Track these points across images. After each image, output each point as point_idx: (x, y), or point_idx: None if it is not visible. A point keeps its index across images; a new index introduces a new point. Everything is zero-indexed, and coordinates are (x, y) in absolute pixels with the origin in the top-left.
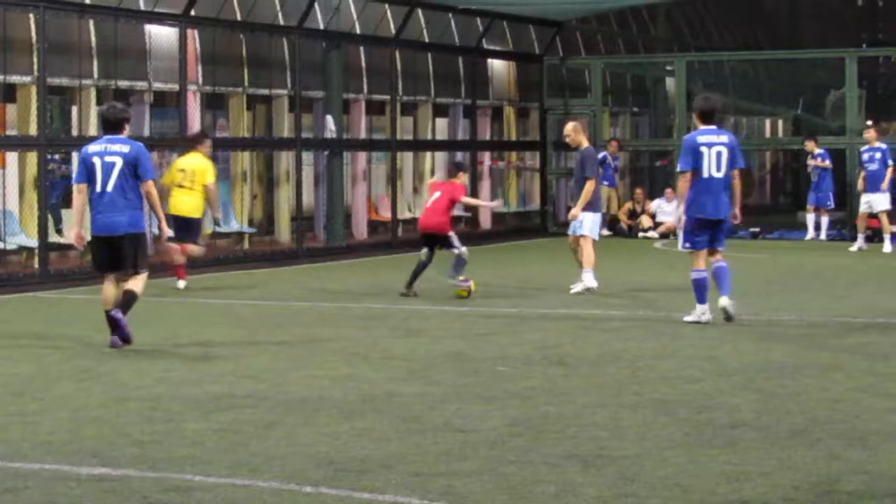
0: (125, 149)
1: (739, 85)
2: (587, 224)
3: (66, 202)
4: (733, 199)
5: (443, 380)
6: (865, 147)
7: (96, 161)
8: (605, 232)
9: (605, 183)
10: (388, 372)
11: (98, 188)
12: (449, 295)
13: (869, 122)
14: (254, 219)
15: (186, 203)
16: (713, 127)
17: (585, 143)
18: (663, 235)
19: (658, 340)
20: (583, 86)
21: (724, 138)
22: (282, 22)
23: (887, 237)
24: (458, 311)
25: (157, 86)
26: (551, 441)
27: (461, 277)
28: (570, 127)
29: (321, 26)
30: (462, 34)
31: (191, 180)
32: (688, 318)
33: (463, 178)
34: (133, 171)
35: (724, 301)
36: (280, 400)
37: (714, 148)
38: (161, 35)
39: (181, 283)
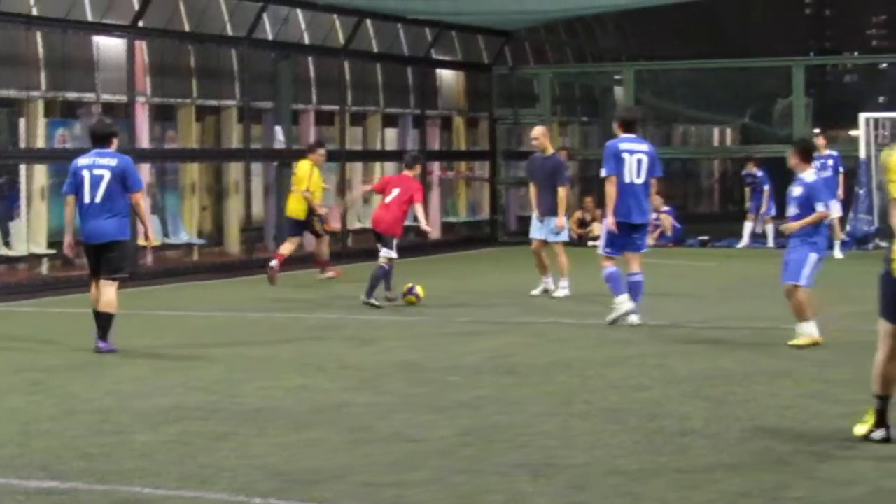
0: (113, 162)
1: (688, 94)
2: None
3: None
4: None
5: (393, 390)
6: (816, 155)
7: (85, 174)
8: None
9: None
10: (339, 382)
11: (87, 199)
12: (400, 305)
13: (816, 130)
14: (203, 230)
15: (291, 205)
16: (634, 135)
17: (551, 150)
18: None
19: (608, 349)
20: (532, 95)
21: (645, 147)
22: (230, 33)
23: (837, 243)
24: (410, 320)
25: (106, 97)
26: (501, 450)
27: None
28: (539, 131)
29: (270, 37)
30: (411, 44)
31: (295, 185)
32: (610, 317)
33: (417, 171)
34: (121, 182)
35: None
36: (231, 411)
37: (635, 155)
38: (109, 46)
39: (326, 274)
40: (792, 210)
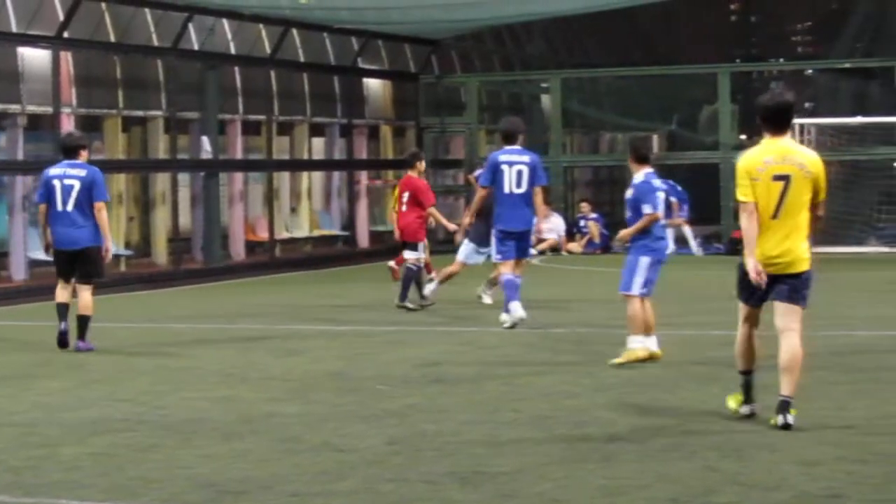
0: (82, 173)
1: (615, 101)
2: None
3: None
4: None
5: (321, 399)
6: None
7: (56, 183)
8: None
9: None
10: (267, 392)
11: (59, 207)
12: (327, 315)
13: (742, 137)
14: (130, 241)
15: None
16: (516, 147)
17: None
18: (542, 252)
19: (536, 356)
20: (459, 104)
21: (526, 157)
22: (156, 43)
23: (695, 242)
24: (337, 330)
25: (31, 108)
26: (429, 459)
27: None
28: None
29: (196, 47)
30: (338, 54)
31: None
32: (507, 324)
33: (421, 167)
34: (89, 192)
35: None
36: (158, 422)
37: (515, 166)
38: (34, 57)
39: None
40: (627, 214)
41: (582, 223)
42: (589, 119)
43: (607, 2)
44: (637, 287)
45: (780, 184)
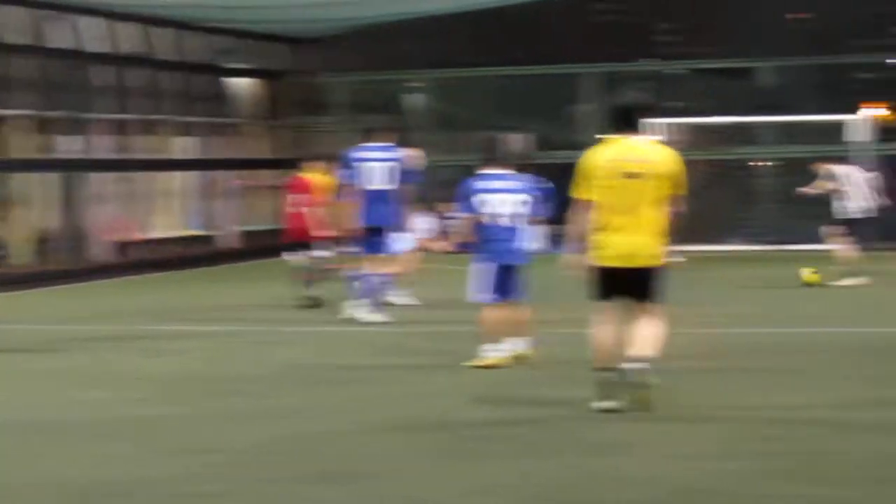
0: (393, 155)
1: (485, 100)
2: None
3: None
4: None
5: (189, 400)
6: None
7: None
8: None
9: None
10: (134, 394)
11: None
12: (196, 316)
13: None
14: None
15: None
16: (383, 144)
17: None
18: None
19: (404, 356)
20: (327, 103)
21: (391, 154)
22: (23, 41)
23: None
24: (206, 330)
25: None
26: (298, 459)
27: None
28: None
29: (60, 45)
30: (204, 52)
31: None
32: (366, 318)
33: (316, 167)
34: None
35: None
36: (24, 425)
37: (378, 163)
38: None
39: None
40: None
41: (451, 222)
42: (458, 119)
43: (477, 1)
44: (474, 294)
45: (629, 181)
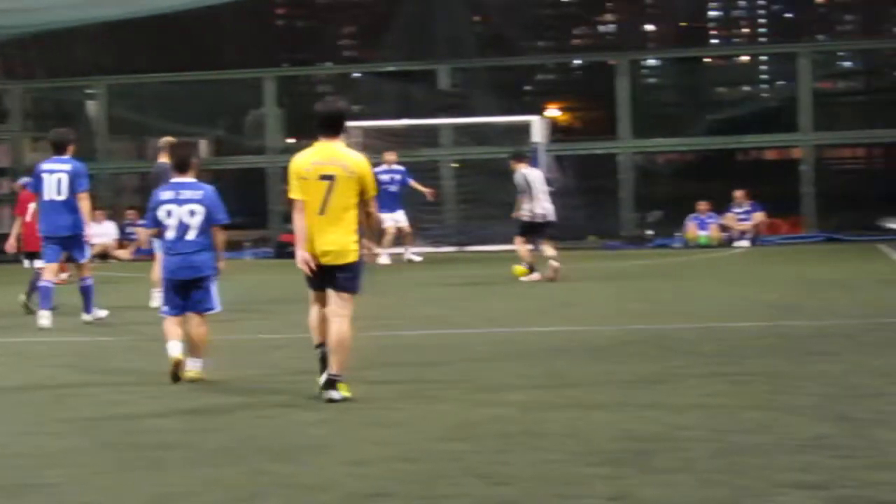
0: (67, 167)
1: (162, 106)
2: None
3: None
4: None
5: None
6: (384, 168)
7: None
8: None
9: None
10: None
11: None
12: None
13: (290, 140)
14: None
15: None
16: (59, 156)
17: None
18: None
19: (86, 365)
20: (3, 110)
21: (67, 166)
22: None
23: (411, 249)
24: None
25: None
26: None
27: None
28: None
29: None
30: None
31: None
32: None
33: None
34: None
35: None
36: None
37: (55, 174)
38: None
39: None
40: None
41: (130, 230)
42: (136, 125)
43: (151, 7)
44: (161, 307)
45: (326, 183)
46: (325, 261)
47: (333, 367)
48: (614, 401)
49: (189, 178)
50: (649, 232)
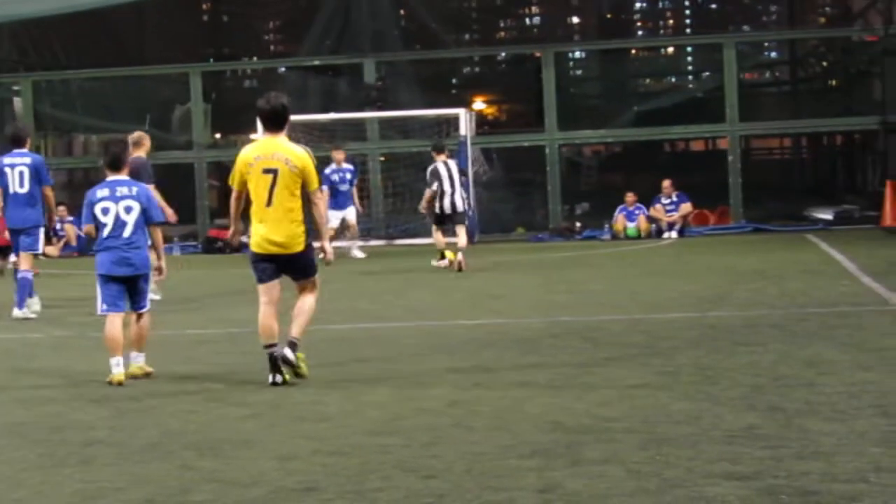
0: (27, 160)
1: (88, 102)
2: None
3: None
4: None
5: None
6: (333, 168)
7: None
8: None
9: None
10: None
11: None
12: None
13: (217, 135)
14: None
15: None
16: (19, 150)
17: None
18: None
19: (10, 363)
20: None
21: (27, 160)
22: None
23: (356, 244)
24: None
25: None
26: None
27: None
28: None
29: None
30: None
31: None
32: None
33: None
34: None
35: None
36: None
37: (17, 168)
38: None
39: None
40: None
41: (59, 226)
42: (62, 121)
43: (75, 4)
44: (98, 306)
45: (270, 176)
46: (277, 251)
47: (295, 331)
48: (543, 393)
49: (123, 176)
50: (577, 224)
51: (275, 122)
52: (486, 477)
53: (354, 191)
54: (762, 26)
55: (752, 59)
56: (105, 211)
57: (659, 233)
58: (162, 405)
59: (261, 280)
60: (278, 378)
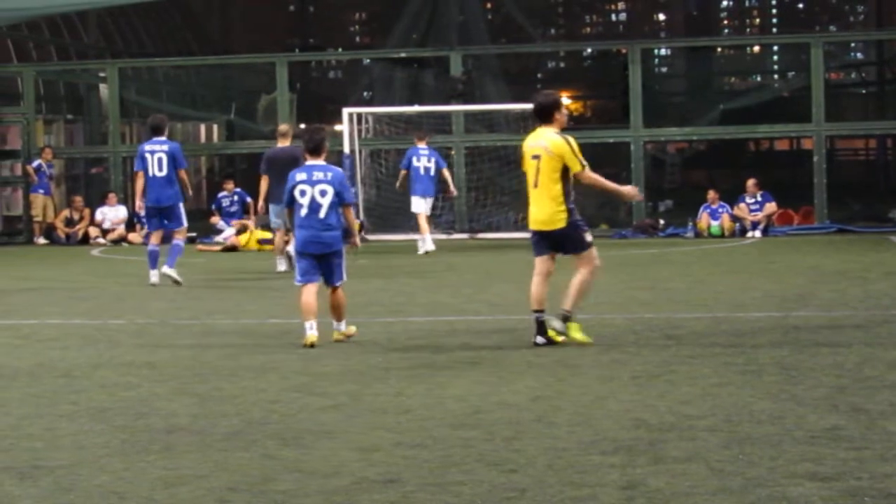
0: (165, 147)
1: (172, 91)
2: None
3: None
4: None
5: None
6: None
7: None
8: (42, 241)
9: (41, 191)
10: None
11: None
12: None
13: (302, 125)
14: None
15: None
16: (157, 138)
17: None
18: (116, 242)
19: (94, 348)
20: (15, 93)
21: (165, 147)
22: None
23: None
24: None
25: None
26: None
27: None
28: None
29: None
30: None
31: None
32: (151, 281)
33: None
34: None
35: (166, 269)
36: None
37: (156, 154)
38: None
39: None
40: None
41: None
42: (147, 109)
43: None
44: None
45: (535, 161)
46: (543, 227)
47: (566, 304)
48: (625, 389)
49: (321, 161)
50: (661, 221)
51: (540, 115)
52: (569, 472)
53: (446, 172)
54: (849, 27)
55: (838, 59)
56: (302, 193)
57: (742, 232)
58: (244, 394)
59: (536, 254)
60: (539, 339)
